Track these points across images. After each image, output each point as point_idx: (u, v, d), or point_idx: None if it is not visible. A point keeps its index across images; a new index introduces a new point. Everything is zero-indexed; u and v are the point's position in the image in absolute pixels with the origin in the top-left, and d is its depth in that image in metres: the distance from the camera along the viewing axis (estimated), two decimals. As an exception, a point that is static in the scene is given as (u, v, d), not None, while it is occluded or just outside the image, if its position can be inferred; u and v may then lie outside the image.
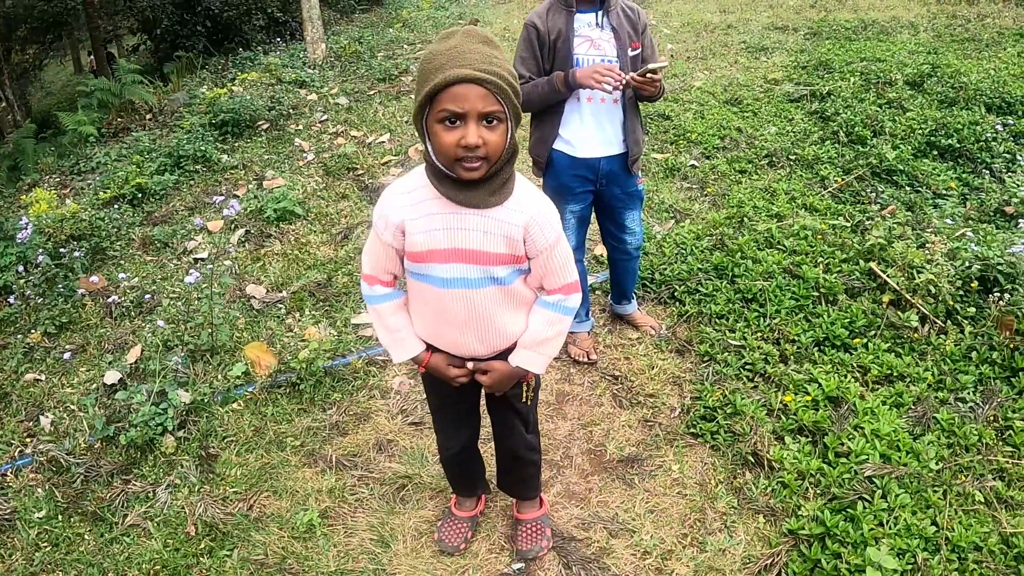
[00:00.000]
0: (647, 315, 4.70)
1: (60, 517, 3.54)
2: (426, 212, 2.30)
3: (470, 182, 2.21)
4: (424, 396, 4.08)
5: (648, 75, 3.54)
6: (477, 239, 2.33)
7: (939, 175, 6.35)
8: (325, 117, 9.33)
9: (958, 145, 6.73)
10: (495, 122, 2.11)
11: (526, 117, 3.34)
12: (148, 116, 11.08)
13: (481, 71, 2.02)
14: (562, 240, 2.45)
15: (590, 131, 3.77)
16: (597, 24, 3.67)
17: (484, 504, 3.39)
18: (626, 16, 3.73)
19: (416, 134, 2.29)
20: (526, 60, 3.73)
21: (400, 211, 2.32)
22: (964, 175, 6.39)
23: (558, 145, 3.83)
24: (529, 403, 2.87)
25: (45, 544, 3.42)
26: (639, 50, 3.75)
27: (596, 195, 4.01)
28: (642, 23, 3.79)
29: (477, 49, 2.08)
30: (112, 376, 4.45)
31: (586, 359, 4.35)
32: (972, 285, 4.39)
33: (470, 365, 2.61)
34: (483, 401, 2.99)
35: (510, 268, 2.42)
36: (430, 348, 2.62)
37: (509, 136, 2.18)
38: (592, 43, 3.66)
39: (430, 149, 2.19)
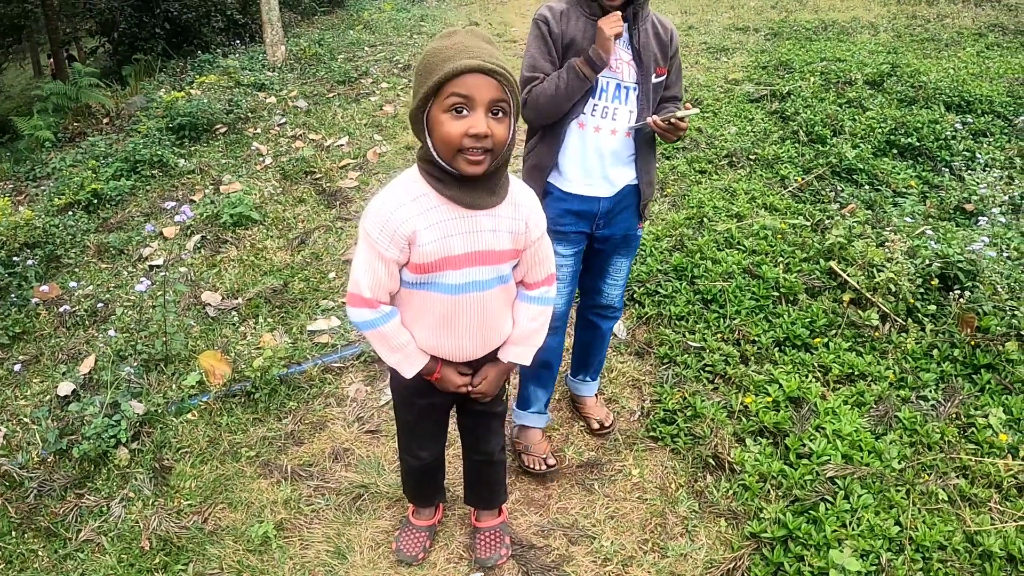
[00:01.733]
0: (602, 405, 4.01)
1: (13, 533, 3.45)
2: (438, 219, 2.27)
3: (473, 181, 2.23)
4: (381, 405, 4.05)
5: (674, 122, 2.96)
6: (489, 239, 2.35)
7: (899, 173, 6.38)
8: (283, 120, 9.24)
9: (918, 144, 6.78)
10: (501, 114, 2.14)
11: (520, 144, 3.10)
12: (105, 120, 10.92)
13: (490, 62, 2.06)
14: (546, 232, 2.55)
15: (591, 164, 3.13)
16: (624, 43, 3.01)
17: (442, 513, 3.35)
18: (656, 36, 3.07)
19: (413, 132, 2.25)
20: (540, 57, 3.03)
21: (410, 221, 2.24)
22: (924, 173, 6.43)
23: (552, 177, 3.20)
24: (506, 402, 2.92)
25: (-3, 561, 3.33)
26: (663, 76, 3.14)
27: (588, 240, 3.38)
28: (674, 45, 3.14)
29: (482, 46, 2.12)
30: (65, 387, 4.36)
31: (542, 467, 3.63)
32: (932, 283, 4.40)
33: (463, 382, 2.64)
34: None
35: (511, 264, 2.48)
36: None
37: (511, 133, 2.20)
38: (609, 65, 2.97)
39: (430, 144, 2.18)
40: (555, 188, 3.19)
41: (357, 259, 2.36)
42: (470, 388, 2.63)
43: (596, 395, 3.97)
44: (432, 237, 2.26)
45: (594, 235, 3.31)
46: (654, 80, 3.08)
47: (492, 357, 2.66)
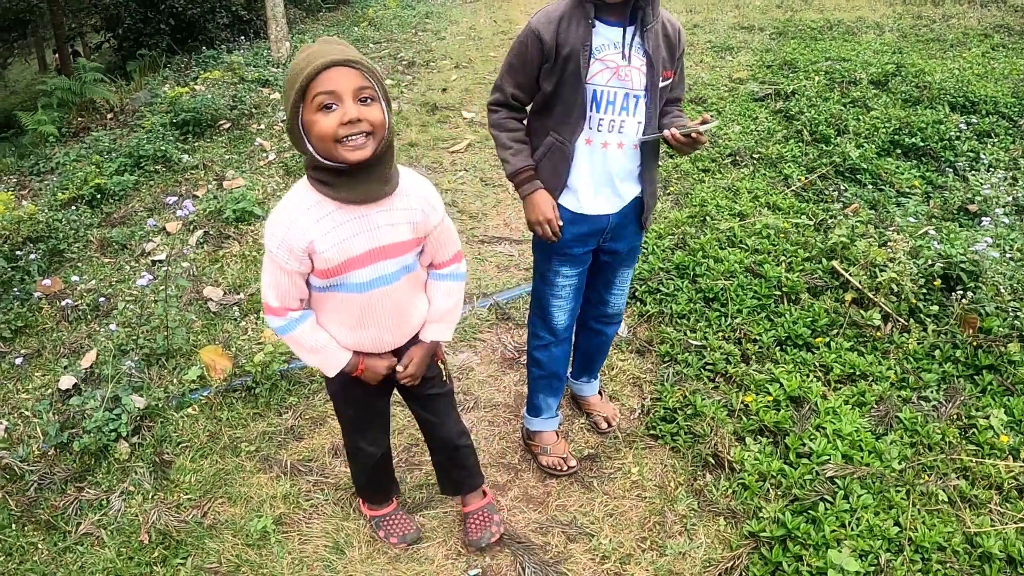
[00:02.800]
0: (607, 401, 3.98)
1: (13, 526, 3.46)
2: (333, 224, 2.32)
3: (363, 173, 2.27)
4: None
5: (694, 136, 2.76)
6: (388, 234, 2.41)
7: (903, 173, 6.36)
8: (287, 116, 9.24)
9: (922, 144, 6.76)
10: (369, 100, 2.20)
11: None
12: (109, 115, 10.93)
13: (344, 56, 2.15)
14: (445, 213, 2.60)
15: (601, 182, 2.98)
16: (625, 48, 2.78)
17: (397, 504, 3.36)
18: (665, 36, 2.86)
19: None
20: (513, 73, 2.93)
21: (305, 233, 2.30)
22: (928, 173, 6.42)
23: (564, 198, 3.02)
24: (449, 382, 3.00)
25: (-3, 554, 3.33)
26: (669, 80, 2.94)
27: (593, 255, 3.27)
28: (681, 45, 2.95)
29: (336, 48, 2.19)
30: (67, 381, 4.36)
31: (564, 467, 3.59)
32: (935, 283, 4.39)
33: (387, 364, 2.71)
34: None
35: (414, 252, 2.55)
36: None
37: (387, 118, 2.25)
38: (616, 72, 2.79)
39: (311, 147, 2.23)
40: (566, 210, 3.02)
41: (263, 272, 2.44)
42: (398, 371, 2.70)
43: (599, 391, 3.96)
44: (331, 243, 2.32)
45: (600, 248, 3.20)
46: (661, 84, 2.88)
47: (414, 342, 2.73)
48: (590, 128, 2.88)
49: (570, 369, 3.87)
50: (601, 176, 2.96)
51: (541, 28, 2.79)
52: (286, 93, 2.21)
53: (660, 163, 3.11)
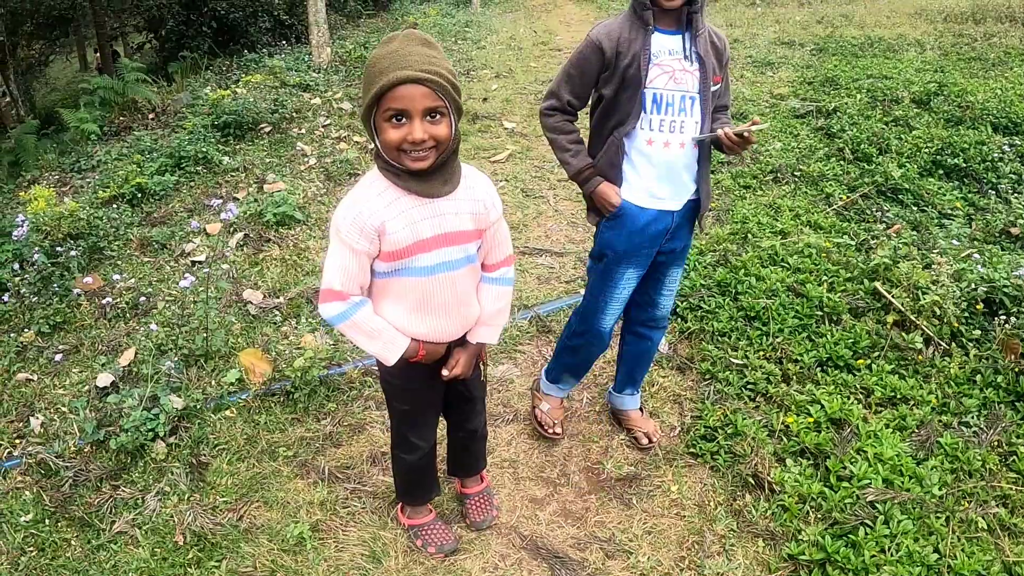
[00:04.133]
0: (647, 418, 3.97)
1: (47, 521, 3.48)
2: (404, 208, 2.41)
3: (424, 173, 2.37)
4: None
5: (746, 135, 2.92)
6: (453, 221, 2.51)
7: (945, 195, 6.31)
8: (328, 121, 9.30)
9: (964, 165, 6.70)
10: (438, 116, 2.28)
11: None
12: (151, 115, 11.01)
13: (421, 71, 2.19)
14: (502, 214, 2.71)
15: (665, 179, 3.11)
16: (684, 53, 2.97)
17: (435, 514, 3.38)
18: (712, 44, 3.03)
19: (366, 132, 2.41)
20: (572, 82, 3.13)
21: (378, 214, 2.39)
22: (970, 195, 6.36)
23: (626, 194, 3.16)
24: (485, 379, 3.13)
25: (31, 549, 3.35)
26: (718, 85, 3.10)
27: None
28: (726, 54, 3.13)
29: (417, 51, 2.24)
30: (104, 379, 4.39)
31: (551, 431, 3.84)
32: (977, 307, 4.35)
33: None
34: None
35: (476, 244, 2.63)
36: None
37: (454, 128, 2.34)
38: (672, 76, 2.97)
39: (379, 144, 2.33)
40: (636, 208, 3.16)
41: (328, 258, 2.50)
42: (443, 374, 2.76)
43: (640, 408, 3.95)
44: (401, 225, 2.41)
45: (659, 248, 3.30)
46: (711, 88, 3.05)
47: (462, 340, 2.80)
48: (651, 129, 3.03)
49: (612, 384, 3.94)
50: (665, 173, 3.09)
51: (601, 40, 2.99)
52: (364, 86, 2.29)
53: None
